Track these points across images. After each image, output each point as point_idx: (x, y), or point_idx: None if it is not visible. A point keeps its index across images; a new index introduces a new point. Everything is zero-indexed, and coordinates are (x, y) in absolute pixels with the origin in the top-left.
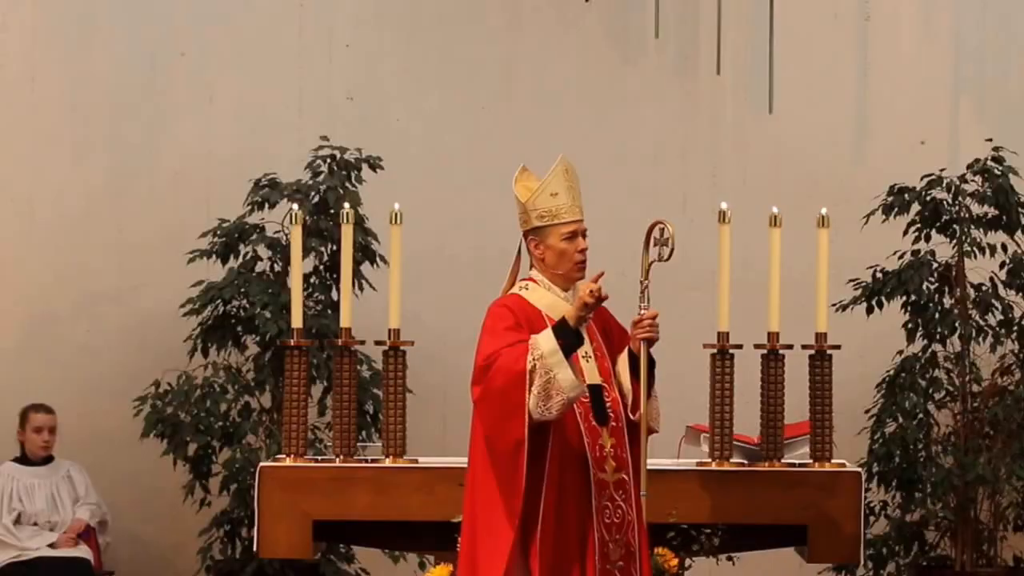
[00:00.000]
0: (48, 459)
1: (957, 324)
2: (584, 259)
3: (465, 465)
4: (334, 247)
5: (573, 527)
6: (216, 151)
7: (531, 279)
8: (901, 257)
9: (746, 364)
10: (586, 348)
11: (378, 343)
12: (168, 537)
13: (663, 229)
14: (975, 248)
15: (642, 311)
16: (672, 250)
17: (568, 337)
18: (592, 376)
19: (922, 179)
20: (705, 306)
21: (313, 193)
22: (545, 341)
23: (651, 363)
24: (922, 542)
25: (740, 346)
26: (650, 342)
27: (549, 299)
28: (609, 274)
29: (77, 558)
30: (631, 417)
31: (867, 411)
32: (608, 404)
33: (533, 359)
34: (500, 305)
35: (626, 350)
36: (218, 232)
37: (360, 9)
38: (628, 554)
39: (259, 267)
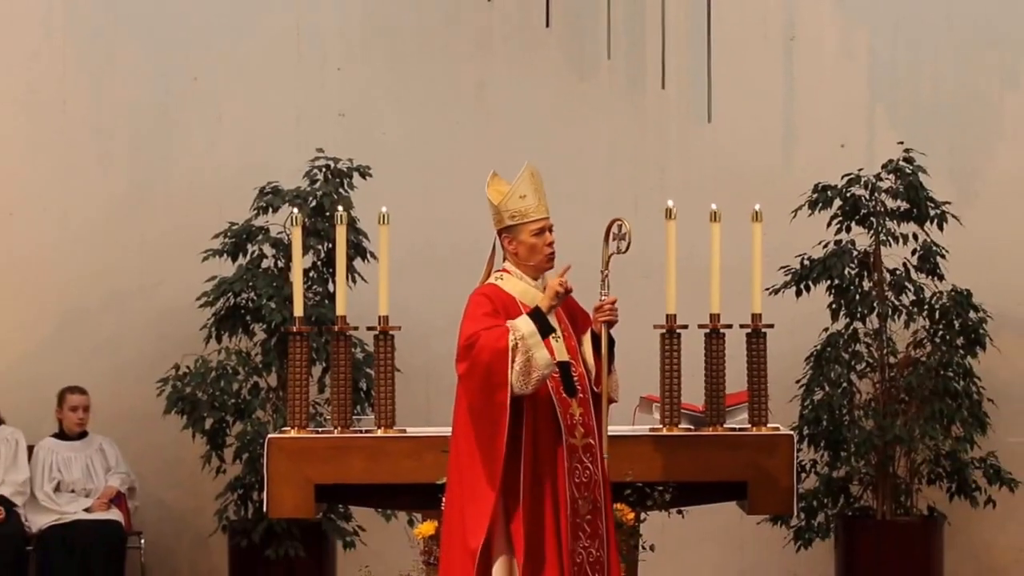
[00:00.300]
0: (83, 434)
1: (875, 304)
2: (552, 252)
3: (447, 434)
4: (330, 245)
5: (548, 486)
6: (225, 163)
7: (505, 270)
8: (825, 246)
9: (691, 342)
10: (556, 330)
11: (369, 328)
12: (189, 501)
13: (620, 225)
14: (890, 238)
15: (603, 297)
16: (629, 244)
17: (542, 322)
18: (561, 354)
19: (843, 178)
20: (655, 292)
21: (311, 198)
22: (524, 324)
23: (611, 342)
24: (847, 495)
25: (686, 326)
26: (610, 324)
27: (521, 287)
28: (567, 262)
29: (109, 520)
30: (595, 389)
31: (798, 381)
32: (575, 378)
33: (515, 339)
34: (479, 294)
35: (589, 331)
36: (228, 234)
37: (350, 37)
38: (595, 509)
39: (265, 264)
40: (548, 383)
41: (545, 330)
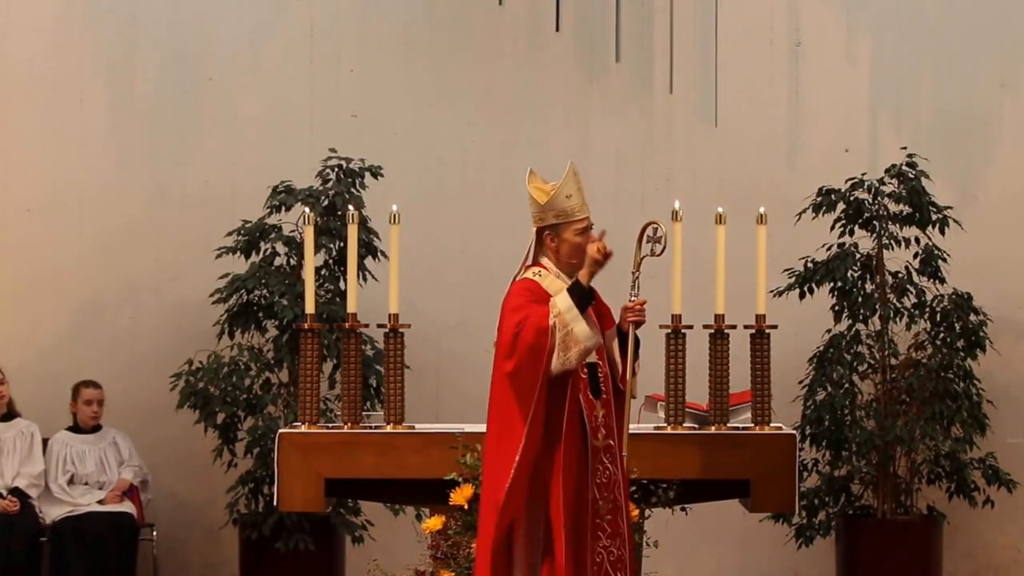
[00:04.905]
0: (97, 428)
1: (877, 306)
2: None
3: (455, 430)
4: (341, 244)
5: (574, 486)
6: (239, 162)
7: (542, 266)
8: (829, 249)
9: (696, 342)
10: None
11: (380, 326)
12: (200, 494)
13: (656, 228)
14: (892, 241)
15: (633, 298)
16: (664, 247)
17: (581, 295)
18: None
19: (846, 182)
20: (661, 292)
21: (323, 197)
22: (561, 300)
23: (636, 342)
24: (848, 494)
25: (691, 326)
26: (638, 324)
27: (558, 285)
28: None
29: (122, 512)
30: (620, 386)
31: (800, 382)
32: (601, 379)
33: (553, 317)
34: (520, 286)
35: (614, 328)
36: (242, 231)
37: (363, 39)
38: (615, 508)
39: (277, 261)
40: (576, 384)
41: (584, 301)
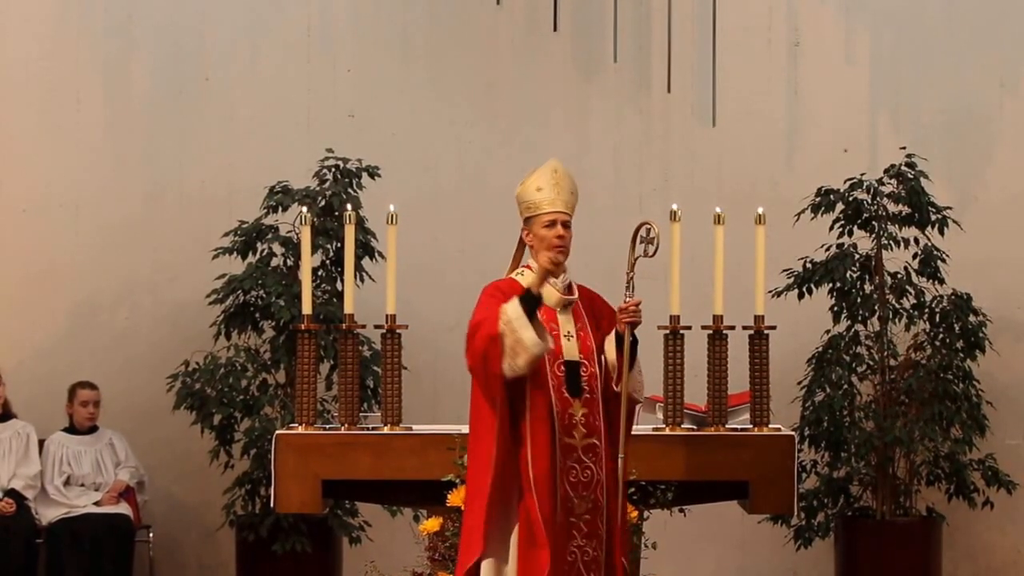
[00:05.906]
0: (93, 429)
1: (876, 307)
2: (560, 244)
3: (452, 431)
4: (338, 244)
5: (542, 483)
6: (236, 162)
7: (528, 267)
8: (827, 250)
9: (694, 343)
10: (568, 328)
11: (377, 327)
12: (197, 495)
13: (649, 229)
14: (891, 241)
15: (627, 299)
16: (657, 247)
17: (529, 302)
18: (571, 353)
19: (845, 182)
20: (659, 293)
21: (320, 198)
22: (512, 307)
23: (634, 342)
24: (847, 495)
25: (689, 327)
26: (633, 325)
27: (543, 288)
28: (573, 263)
29: (119, 514)
30: (615, 388)
31: (799, 383)
32: (585, 378)
33: (502, 324)
34: (493, 286)
35: (613, 331)
36: (238, 232)
37: (360, 38)
38: (595, 508)
39: (274, 262)
40: (550, 381)
41: (532, 309)
